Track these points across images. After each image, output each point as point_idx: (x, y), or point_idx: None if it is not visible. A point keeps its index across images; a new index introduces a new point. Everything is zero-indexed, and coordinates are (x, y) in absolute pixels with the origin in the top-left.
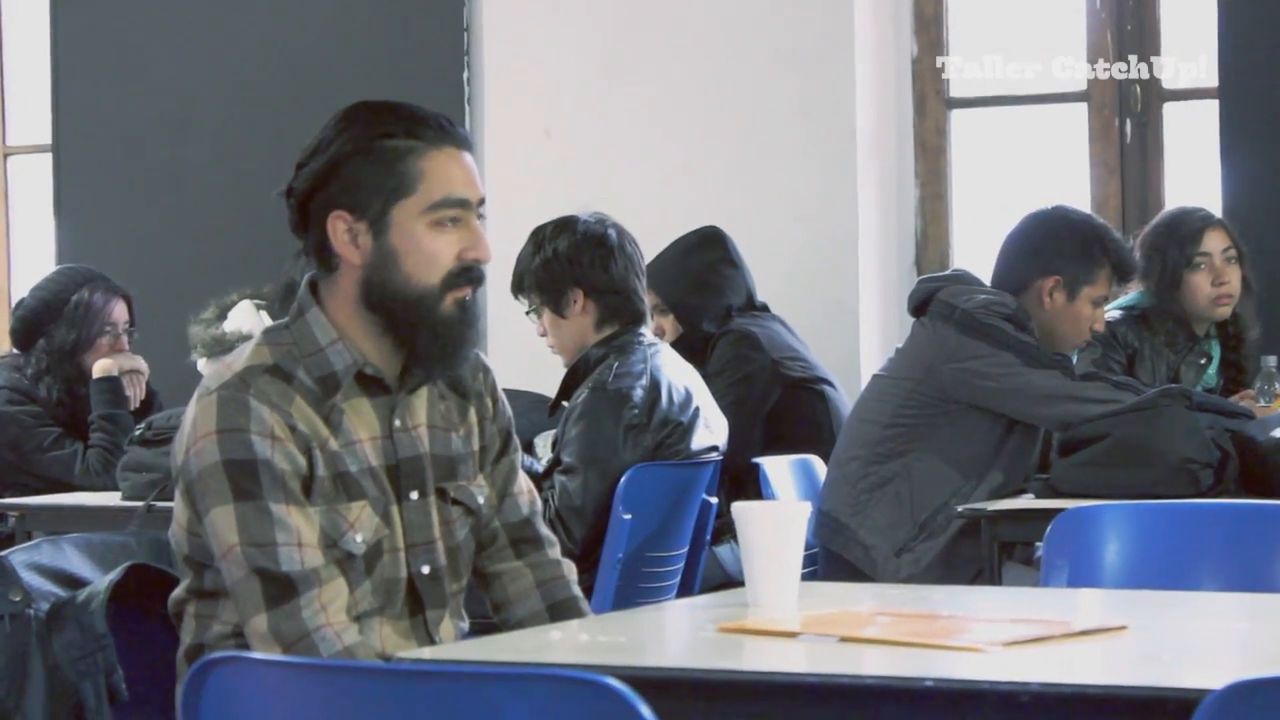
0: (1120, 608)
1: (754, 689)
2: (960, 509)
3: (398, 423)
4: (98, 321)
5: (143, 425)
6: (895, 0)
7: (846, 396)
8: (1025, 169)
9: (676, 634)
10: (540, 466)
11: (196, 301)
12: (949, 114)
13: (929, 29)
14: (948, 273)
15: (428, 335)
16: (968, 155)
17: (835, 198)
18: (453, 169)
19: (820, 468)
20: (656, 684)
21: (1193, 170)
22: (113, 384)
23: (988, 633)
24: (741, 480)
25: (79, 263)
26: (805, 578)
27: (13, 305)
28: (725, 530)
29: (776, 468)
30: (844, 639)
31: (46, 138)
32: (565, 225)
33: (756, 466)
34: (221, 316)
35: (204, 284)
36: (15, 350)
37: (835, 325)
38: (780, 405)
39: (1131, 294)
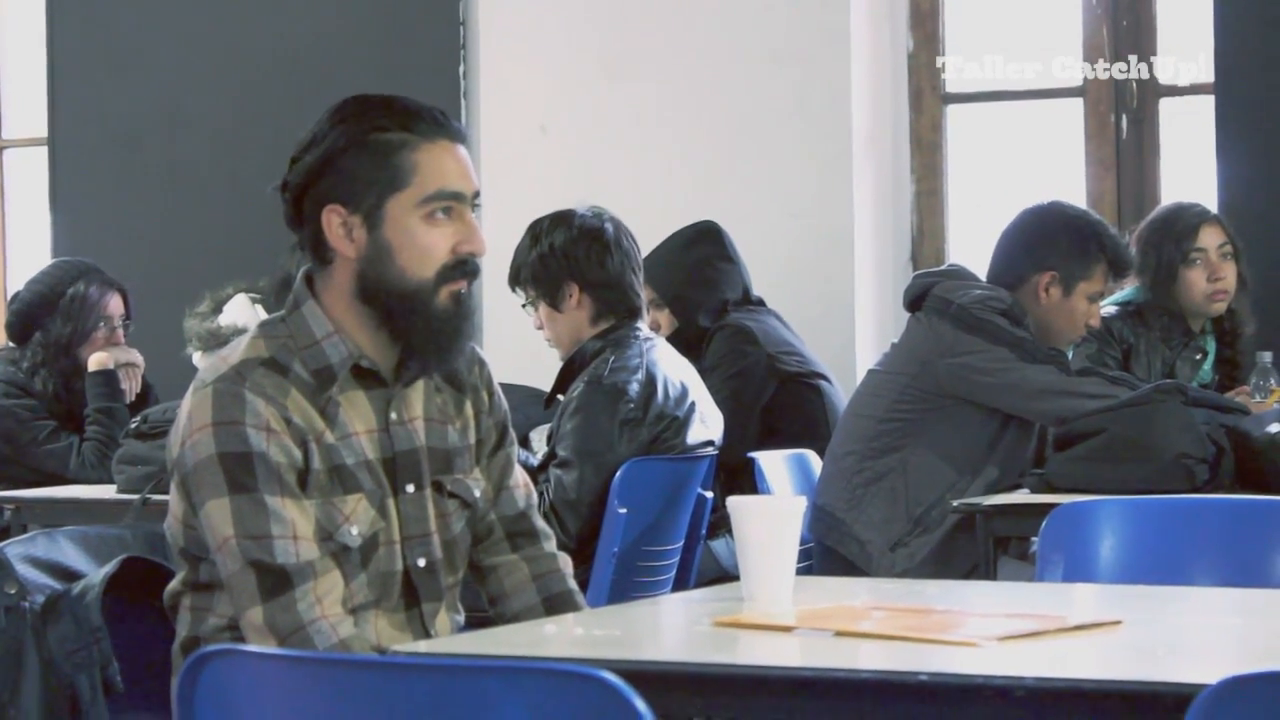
0: (1115, 602)
1: (749, 683)
2: (955, 504)
3: (394, 415)
4: (93, 315)
5: (138, 418)
6: None
7: (842, 391)
8: (1021, 165)
9: (672, 628)
10: (535, 460)
11: (192, 295)
12: (945, 109)
13: (925, 24)
14: (943, 268)
15: (423, 328)
16: (963, 151)
17: (831, 193)
18: (447, 162)
19: (815, 462)
20: (651, 678)
21: (1188, 166)
22: (108, 377)
23: (982, 627)
24: (737, 475)
25: (75, 256)
26: (800, 572)
27: (8, 299)
28: (720, 524)
29: (772, 462)
30: (839, 633)
31: (42, 131)
32: (562, 219)
33: (752, 461)
34: (216, 310)
35: (199, 277)
36: (11, 343)
37: (831, 320)
38: (776, 400)
39: (1127, 289)
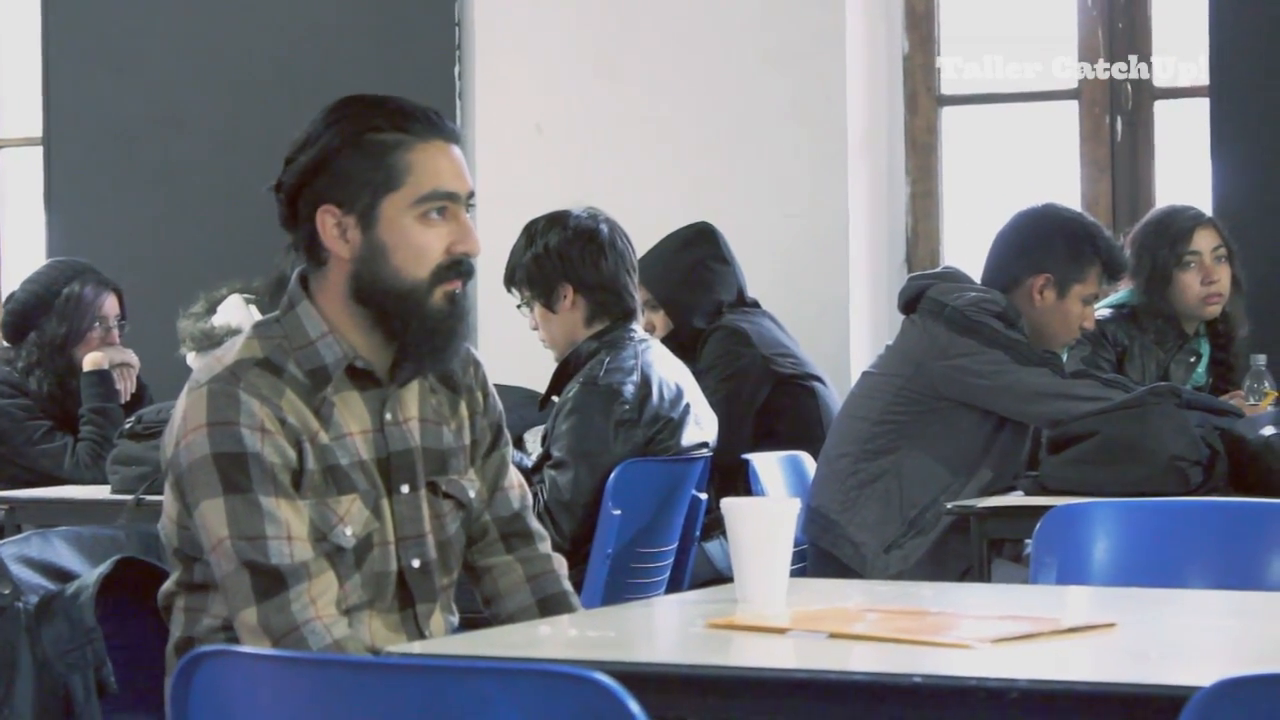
0: (1109, 605)
1: (742, 685)
2: (950, 506)
3: (389, 416)
4: (88, 315)
5: (133, 419)
6: None
7: (836, 393)
8: (1016, 167)
9: (665, 629)
10: (530, 461)
11: (187, 295)
12: (940, 111)
13: (920, 26)
14: (938, 270)
15: (417, 328)
16: (958, 153)
17: (826, 194)
18: (441, 162)
19: (810, 464)
20: (645, 679)
21: (1183, 169)
22: (103, 377)
23: (976, 629)
24: (731, 476)
25: (70, 256)
26: (794, 574)
27: (3, 299)
28: (715, 526)
29: (766, 464)
30: (833, 635)
31: (37, 131)
32: (557, 220)
33: (746, 463)
34: (211, 310)
35: (194, 278)
36: (6, 343)
37: (825, 322)
38: (770, 402)
39: (1121, 292)
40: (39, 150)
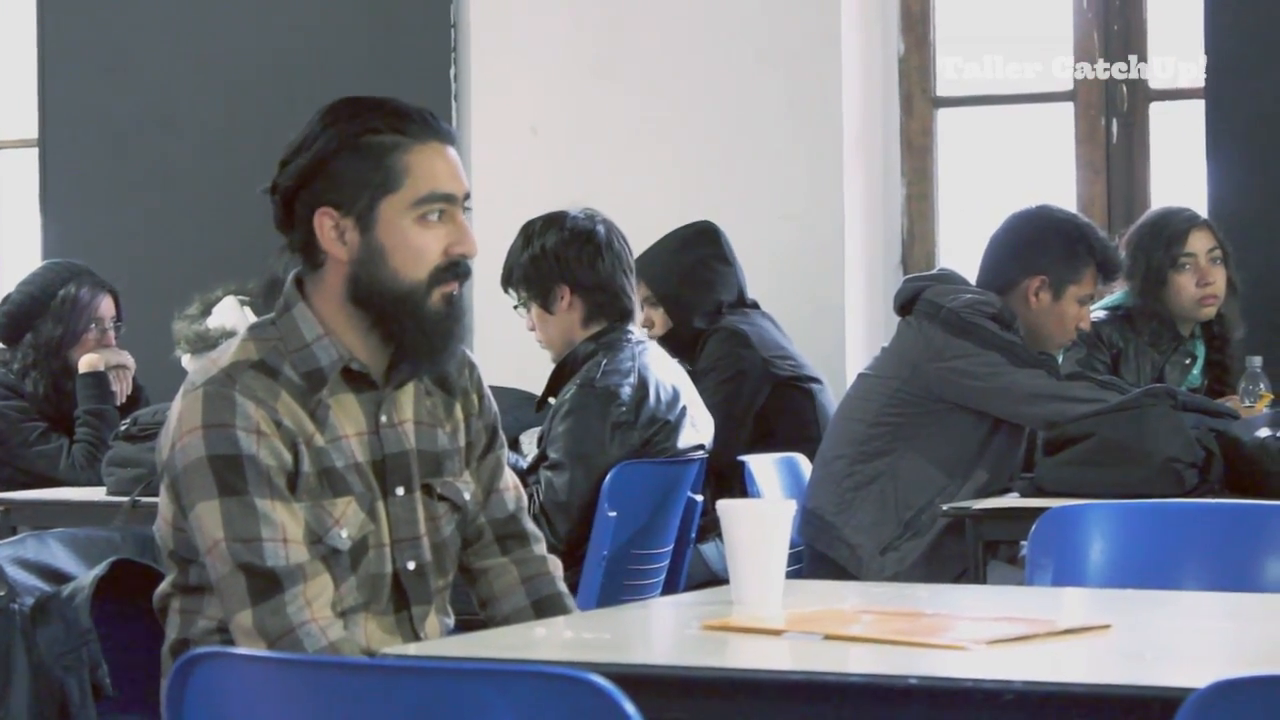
0: (1104, 607)
1: (738, 686)
2: (945, 508)
3: (384, 418)
4: (84, 316)
5: (128, 420)
6: None
7: (832, 395)
8: (1011, 169)
9: (661, 631)
10: (525, 463)
11: (183, 297)
12: (935, 113)
13: (915, 28)
14: (933, 272)
15: (415, 330)
16: (954, 154)
17: (821, 196)
18: (438, 163)
19: (805, 466)
20: (641, 681)
21: (1178, 171)
22: (99, 379)
23: (972, 631)
24: (727, 478)
25: (65, 258)
26: (790, 576)
27: None
28: (710, 528)
29: (762, 466)
30: (828, 637)
31: (33, 132)
32: (554, 221)
33: (742, 464)
34: (205, 312)
35: (190, 279)
36: (1, 345)
37: (821, 324)
38: (768, 403)
39: (1116, 294)
40: (34, 152)
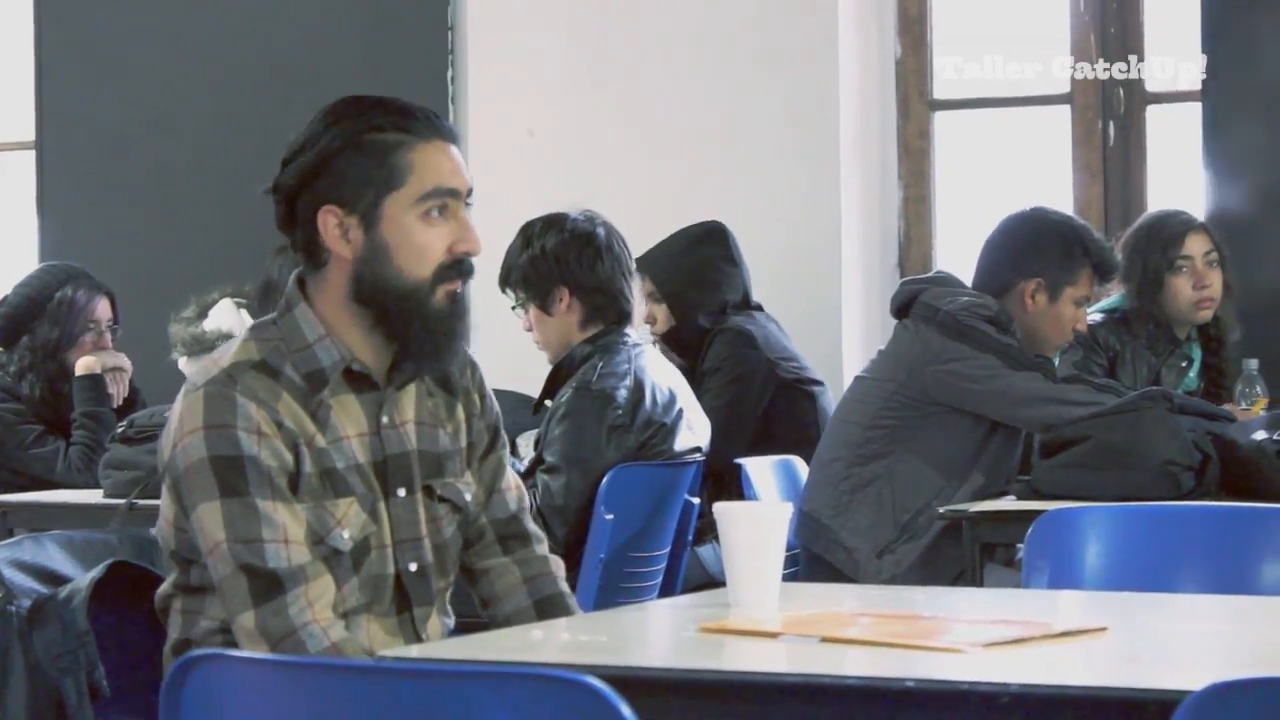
0: (1101, 609)
1: (735, 689)
2: (942, 510)
3: (385, 419)
4: (81, 319)
5: (125, 423)
6: (879, 1)
7: (831, 397)
8: (1008, 171)
9: (658, 634)
10: (523, 465)
11: (179, 299)
12: (932, 116)
13: (913, 30)
14: (930, 275)
15: (419, 328)
16: (951, 157)
17: (818, 199)
18: (442, 160)
19: (802, 468)
20: (637, 683)
21: (1175, 173)
22: (95, 381)
23: (968, 634)
24: (724, 480)
25: (62, 260)
26: (786, 579)
27: None
28: (707, 530)
29: (759, 468)
30: (825, 639)
31: (30, 135)
32: (554, 222)
33: (738, 467)
34: (202, 315)
35: (186, 282)
36: None
37: (818, 326)
38: (771, 405)
39: (1113, 297)
40: (31, 154)
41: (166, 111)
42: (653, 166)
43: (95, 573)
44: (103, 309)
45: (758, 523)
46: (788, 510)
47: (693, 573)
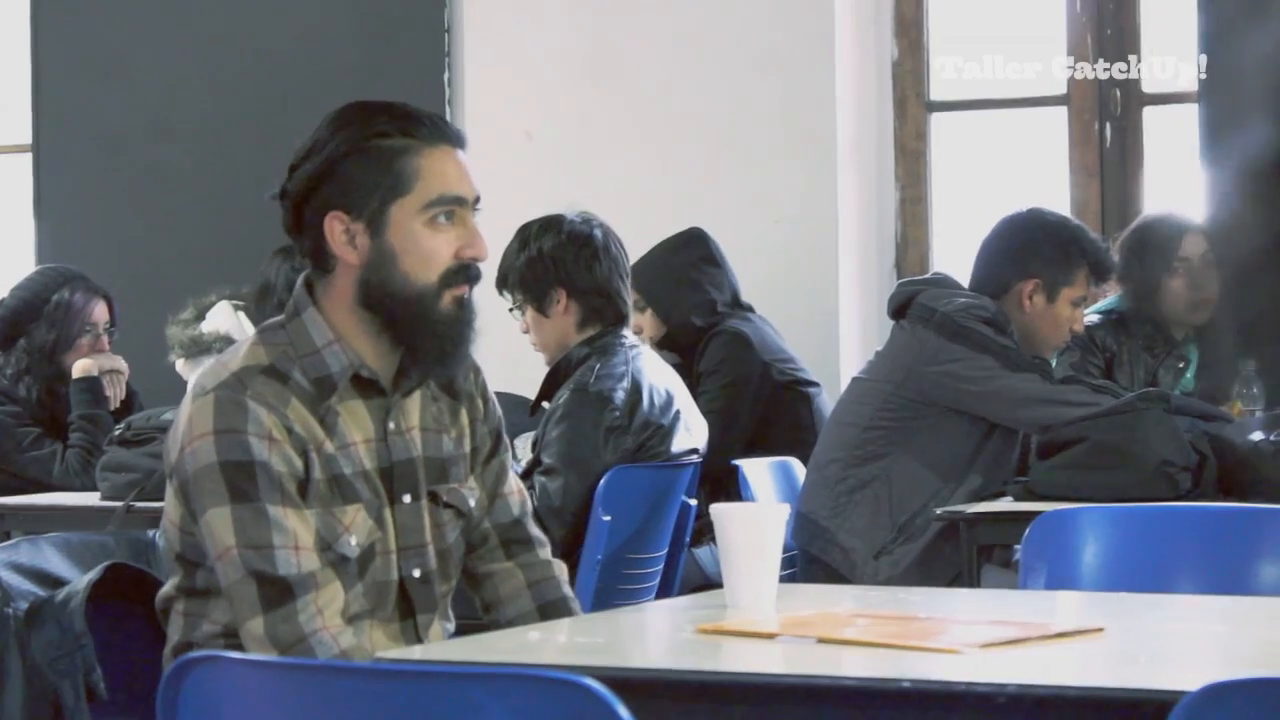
0: (1098, 610)
1: (732, 690)
2: (939, 511)
3: (392, 425)
4: (78, 321)
5: (122, 425)
6: (876, 3)
7: (828, 399)
8: (1005, 172)
9: (655, 635)
10: (520, 467)
11: (176, 302)
12: (929, 117)
13: (909, 32)
14: (927, 276)
15: (427, 334)
16: (948, 158)
17: (815, 200)
18: (449, 167)
19: (799, 470)
20: (635, 685)
21: (1172, 175)
22: (92, 384)
23: (965, 634)
24: (721, 482)
25: (59, 263)
26: (784, 580)
27: None
28: (704, 532)
29: (756, 470)
30: (822, 640)
31: (27, 137)
32: (551, 224)
33: (736, 468)
34: (199, 317)
35: (183, 284)
36: None
37: (815, 327)
38: (767, 407)
39: (1110, 298)
40: (28, 157)
41: (163, 114)
42: (650, 168)
43: (92, 575)
44: (100, 311)
45: (755, 524)
46: (785, 511)
47: (690, 574)
